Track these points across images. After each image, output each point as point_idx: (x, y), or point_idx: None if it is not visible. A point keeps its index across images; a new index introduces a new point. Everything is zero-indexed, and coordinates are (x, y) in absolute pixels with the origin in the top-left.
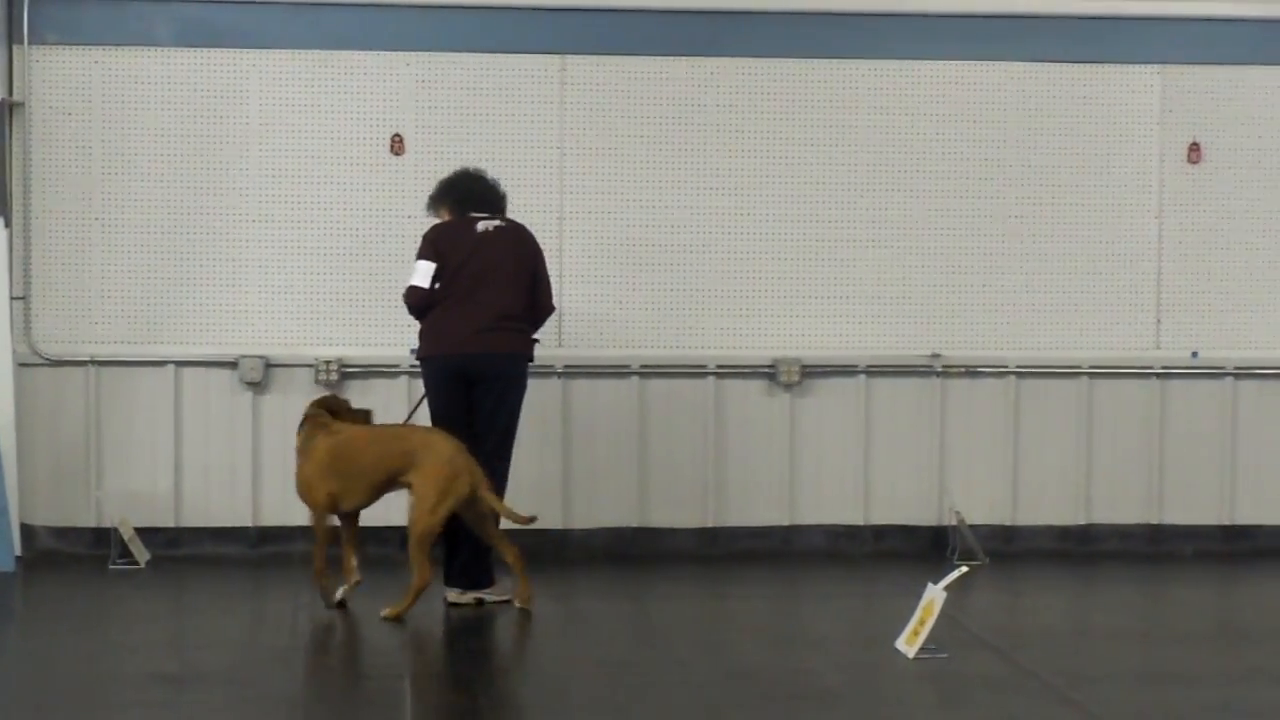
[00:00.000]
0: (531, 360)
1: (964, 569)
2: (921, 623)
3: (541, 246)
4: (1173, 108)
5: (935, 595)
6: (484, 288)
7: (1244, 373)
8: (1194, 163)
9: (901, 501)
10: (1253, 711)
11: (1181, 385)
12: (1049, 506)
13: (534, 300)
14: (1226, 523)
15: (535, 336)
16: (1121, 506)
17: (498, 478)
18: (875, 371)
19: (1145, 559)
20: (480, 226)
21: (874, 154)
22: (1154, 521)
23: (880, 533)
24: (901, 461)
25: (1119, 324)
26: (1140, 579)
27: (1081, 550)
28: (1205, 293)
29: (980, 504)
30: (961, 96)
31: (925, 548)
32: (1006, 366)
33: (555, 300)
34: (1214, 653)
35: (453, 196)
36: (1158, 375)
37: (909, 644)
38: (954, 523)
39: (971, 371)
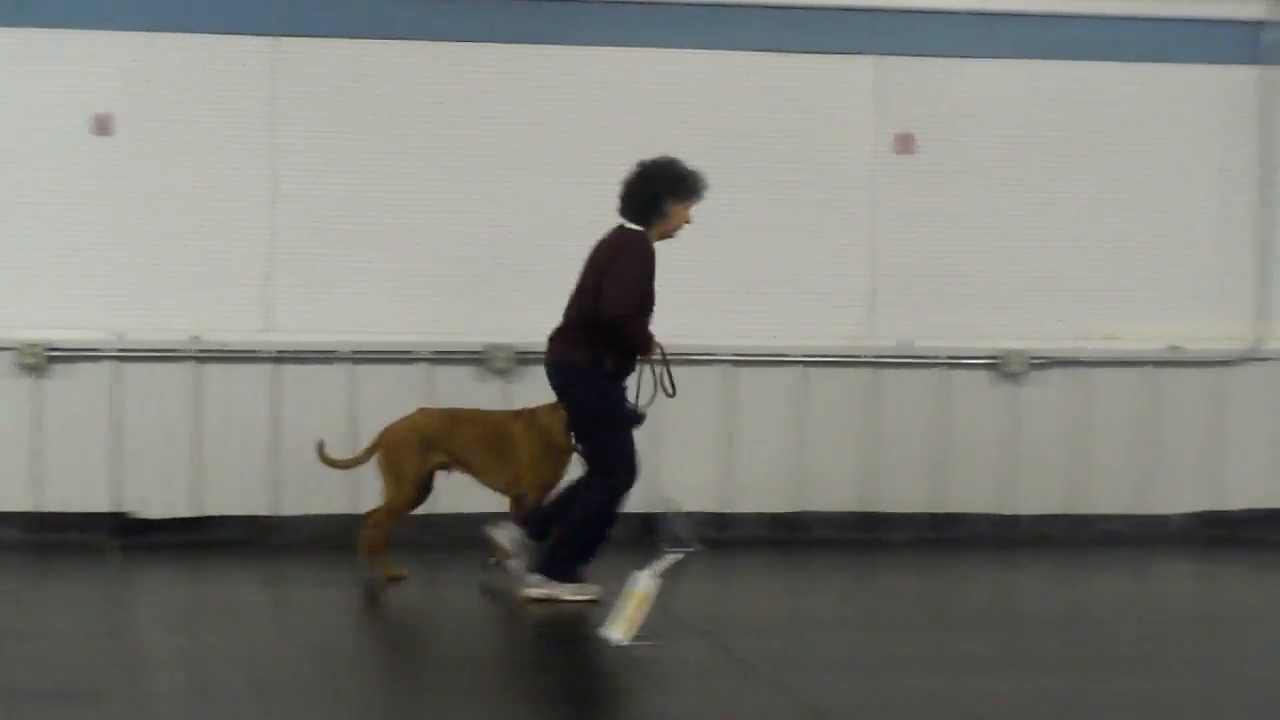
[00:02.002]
0: (579, 366)
1: (675, 556)
2: (632, 610)
3: (624, 249)
4: (885, 99)
5: (645, 582)
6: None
7: (956, 362)
8: (907, 153)
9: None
10: (961, 698)
11: (894, 374)
12: (762, 494)
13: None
14: (937, 510)
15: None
16: (833, 494)
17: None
18: None
19: (856, 546)
20: (598, 242)
21: (587, 141)
22: (866, 509)
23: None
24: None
25: (832, 313)
26: (851, 566)
27: (793, 537)
28: (918, 282)
29: (693, 491)
30: (674, 85)
31: (637, 534)
32: (720, 354)
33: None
34: (924, 639)
35: None
36: (871, 364)
37: (619, 631)
38: (665, 510)
39: (686, 359)
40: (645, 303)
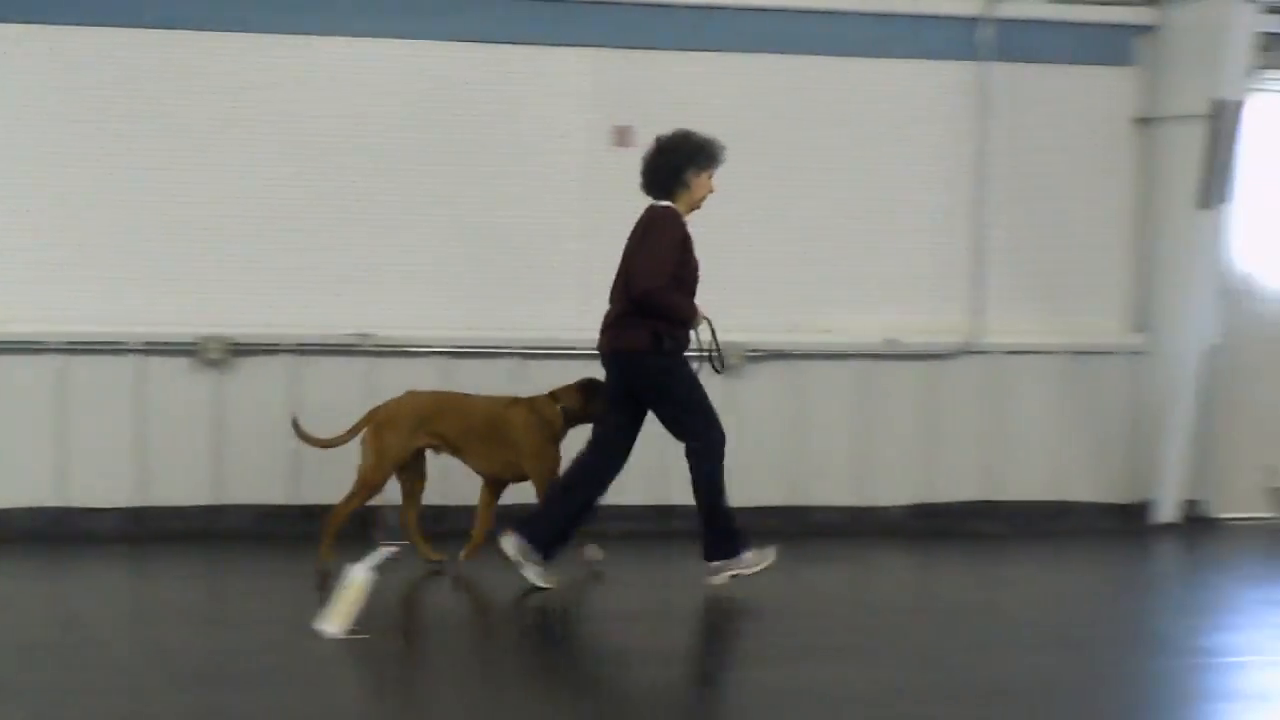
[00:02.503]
0: (640, 350)
1: (390, 550)
2: (345, 604)
3: (652, 225)
4: (602, 91)
5: (359, 576)
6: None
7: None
8: (625, 147)
9: (331, 481)
10: (675, 691)
11: None
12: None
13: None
14: (659, 503)
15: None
16: None
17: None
18: (306, 350)
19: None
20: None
21: (292, 131)
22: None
23: (309, 512)
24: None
25: (547, 306)
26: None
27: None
28: None
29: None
30: (385, 74)
31: (355, 528)
32: (436, 346)
33: None
34: (639, 632)
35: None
36: (587, 356)
37: (333, 625)
38: (382, 503)
39: (401, 350)
40: (682, 273)
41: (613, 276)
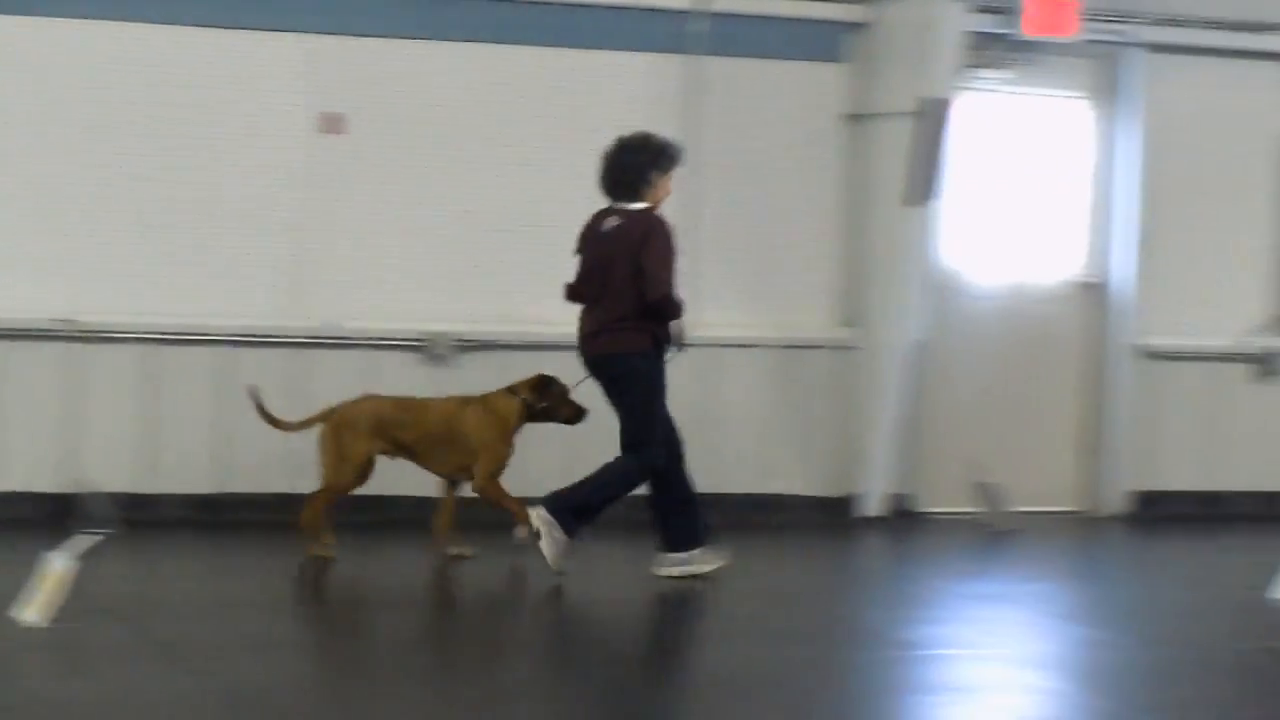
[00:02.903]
0: (641, 351)
1: (93, 537)
2: (45, 592)
3: (650, 231)
4: (313, 78)
5: (60, 563)
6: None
7: (384, 344)
8: (335, 134)
9: (30, 468)
10: (380, 673)
11: (321, 355)
12: (185, 474)
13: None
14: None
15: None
16: (260, 476)
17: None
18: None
19: (280, 528)
20: (604, 226)
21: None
22: (298, 491)
23: (3, 500)
24: (27, 426)
25: (256, 293)
26: (276, 547)
27: (217, 519)
28: (345, 263)
29: (114, 471)
30: (92, 57)
31: (52, 515)
32: (140, 332)
33: None
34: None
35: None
36: (297, 344)
37: (34, 613)
38: (81, 489)
39: (104, 337)
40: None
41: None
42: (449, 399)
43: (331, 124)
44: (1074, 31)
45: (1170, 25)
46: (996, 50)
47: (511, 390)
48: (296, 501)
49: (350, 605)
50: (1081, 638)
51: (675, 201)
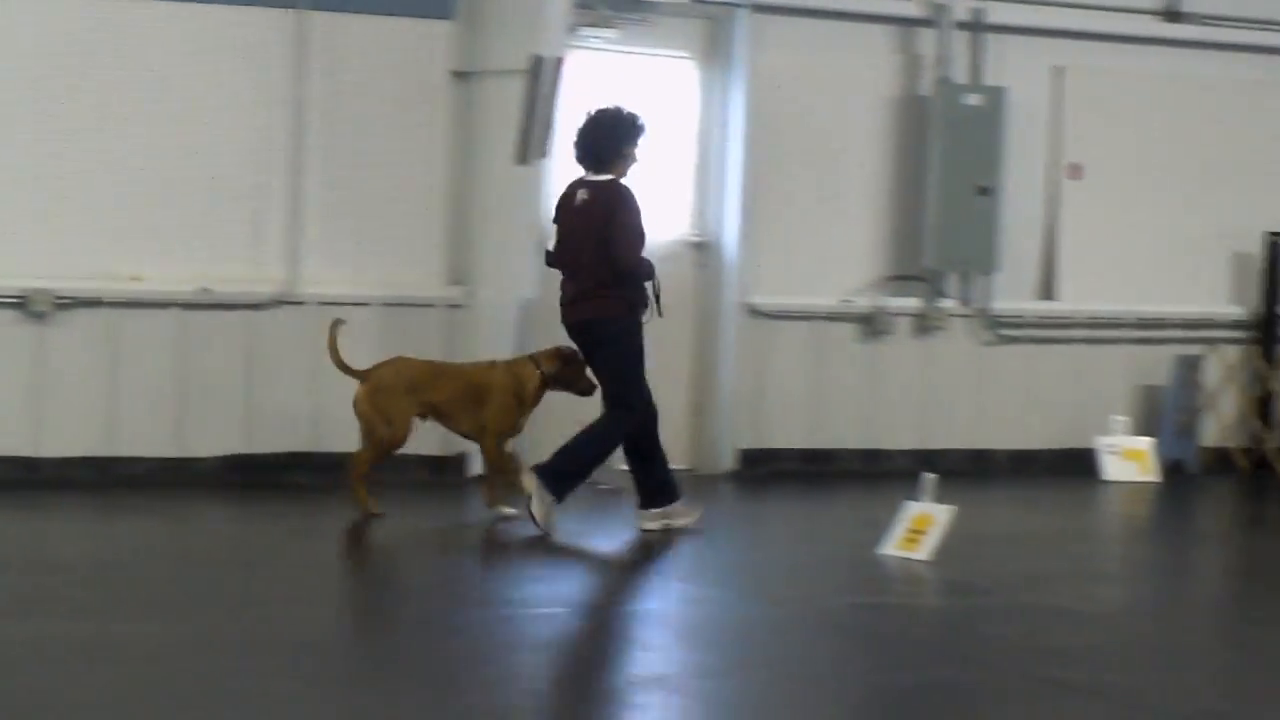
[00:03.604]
0: (618, 317)
1: None
2: None
3: (619, 203)
4: None
5: None
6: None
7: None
8: None
9: None
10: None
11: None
12: None
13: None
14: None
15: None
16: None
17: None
18: None
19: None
20: (577, 199)
21: None
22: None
23: None
24: None
25: None
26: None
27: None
28: None
29: None
30: None
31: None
32: None
33: None
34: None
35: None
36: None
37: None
38: None
39: None
40: (643, 240)
41: None
42: (477, 363)
43: None
44: None
45: None
46: (605, 9)
47: (534, 359)
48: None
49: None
50: (689, 594)
51: (280, 158)
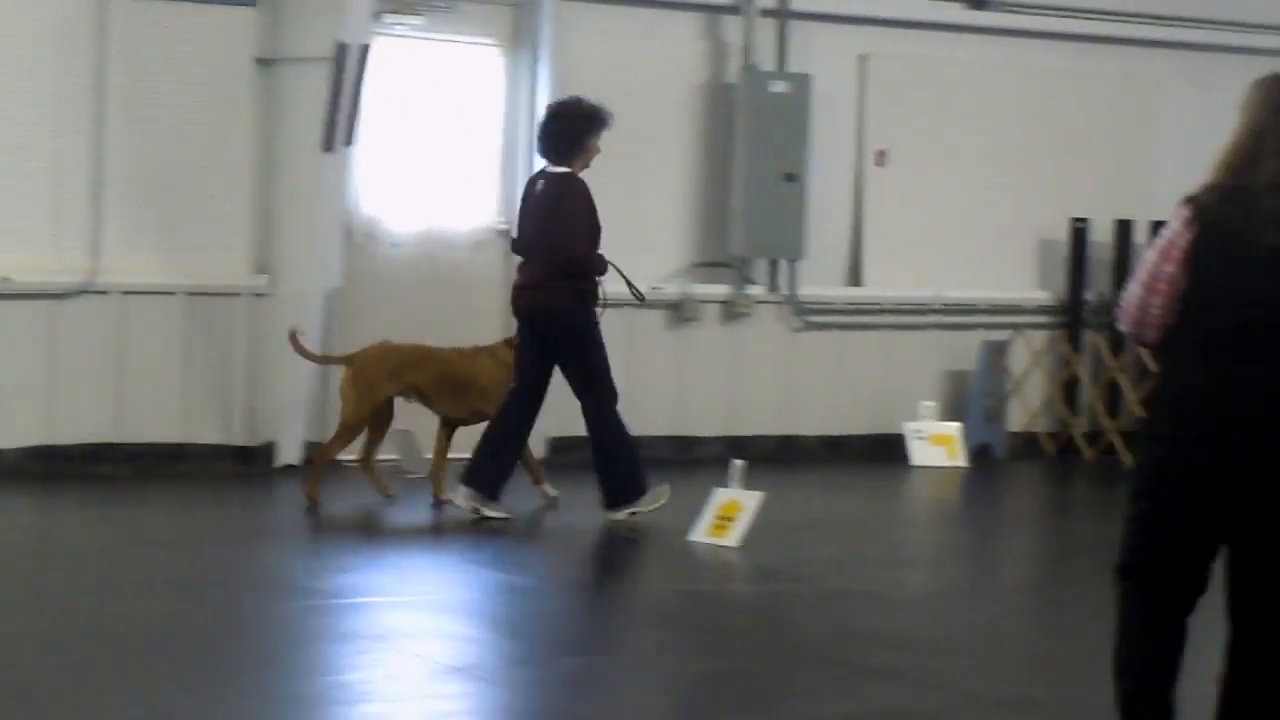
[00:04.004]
0: (567, 307)
1: None
2: None
3: (564, 194)
4: None
5: None
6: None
7: None
8: None
9: None
10: None
11: None
12: None
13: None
14: None
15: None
16: None
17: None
18: None
19: None
20: (536, 188)
21: None
22: None
23: None
24: None
25: None
26: None
27: None
28: None
29: None
30: None
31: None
32: None
33: None
34: None
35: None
36: None
37: None
38: None
39: None
40: (594, 234)
41: None
42: (459, 348)
43: None
44: None
45: None
46: None
47: (508, 343)
48: None
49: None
50: (500, 583)
51: (81, 146)
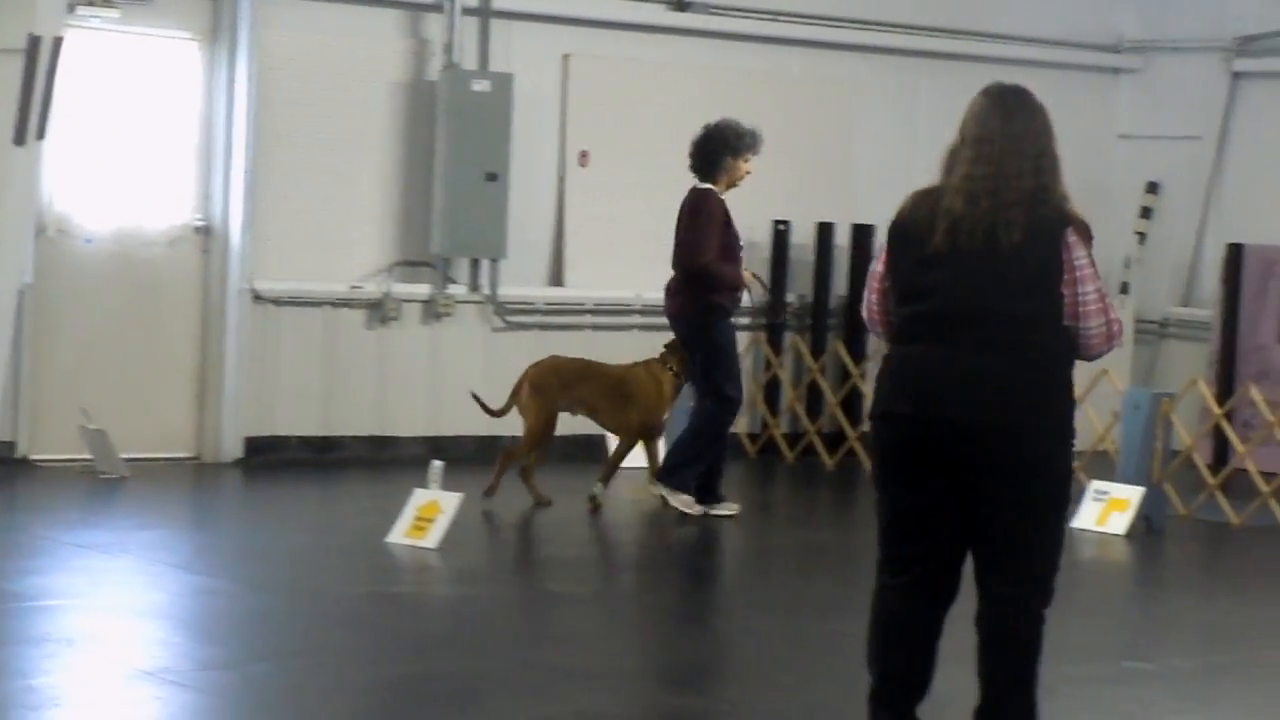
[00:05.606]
0: (695, 314)
1: None
2: None
3: (695, 207)
4: None
5: None
6: None
7: None
8: None
9: None
10: None
11: None
12: None
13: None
14: None
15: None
16: None
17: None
18: None
19: None
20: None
21: None
22: None
23: None
24: None
25: None
26: None
27: None
28: None
29: None
30: None
31: None
32: None
33: None
34: None
35: None
36: None
37: None
38: None
39: None
40: (728, 244)
41: None
42: (622, 364)
43: None
44: None
45: None
46: None
47: (663, 360)
48: None
49: None
50: (193, 586)
51: None
